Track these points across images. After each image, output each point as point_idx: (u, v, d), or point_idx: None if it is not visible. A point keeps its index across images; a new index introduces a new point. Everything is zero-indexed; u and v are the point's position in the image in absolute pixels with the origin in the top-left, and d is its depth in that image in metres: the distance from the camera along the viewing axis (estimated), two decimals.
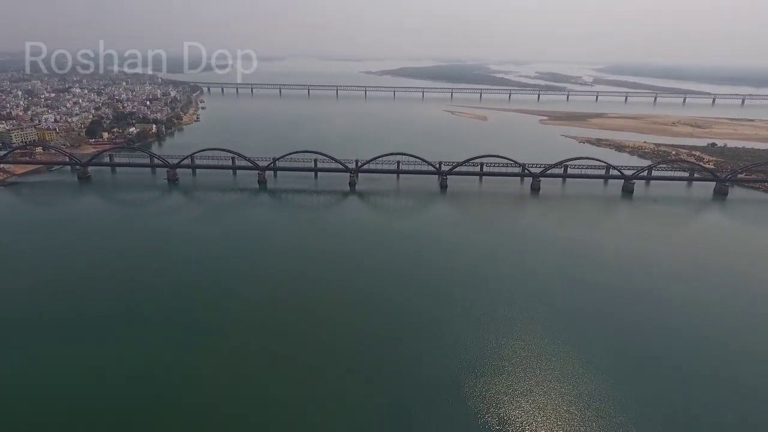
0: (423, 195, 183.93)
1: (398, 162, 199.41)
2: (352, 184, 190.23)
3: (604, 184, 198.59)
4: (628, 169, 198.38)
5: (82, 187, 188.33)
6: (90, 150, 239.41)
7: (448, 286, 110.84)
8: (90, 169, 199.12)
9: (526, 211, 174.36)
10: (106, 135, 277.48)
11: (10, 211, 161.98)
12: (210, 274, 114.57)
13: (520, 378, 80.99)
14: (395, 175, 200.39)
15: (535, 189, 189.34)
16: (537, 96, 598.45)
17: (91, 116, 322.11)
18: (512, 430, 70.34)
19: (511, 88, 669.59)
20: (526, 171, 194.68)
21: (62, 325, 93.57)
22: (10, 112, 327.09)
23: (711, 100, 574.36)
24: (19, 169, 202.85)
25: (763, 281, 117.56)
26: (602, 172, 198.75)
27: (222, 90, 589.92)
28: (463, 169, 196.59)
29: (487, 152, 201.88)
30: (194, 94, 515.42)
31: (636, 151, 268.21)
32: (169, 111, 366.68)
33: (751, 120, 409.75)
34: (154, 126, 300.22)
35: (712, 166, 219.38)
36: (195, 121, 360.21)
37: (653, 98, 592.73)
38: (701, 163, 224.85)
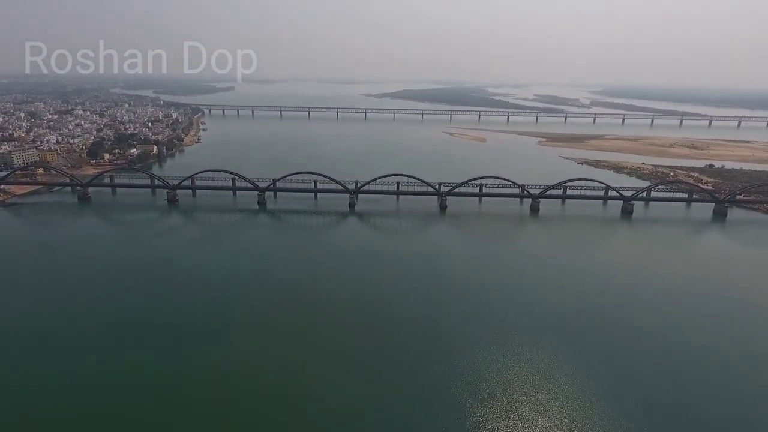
0: (423, 216, 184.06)
1: (398, 183, 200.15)
2: (351, 205, 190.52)
3: (604, 205, 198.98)
4: (627, 190, 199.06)
5: (81, 207, 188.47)
6: (91, 171, 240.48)
7: (448, 308, 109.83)
8: (90, 189, 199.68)
9: (526, 232, 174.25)
10: (107, 156, 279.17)
11: (8, 231, 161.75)
12: (209, 295, 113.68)
13: (521, 402, 79.64)
14: (395, 196, 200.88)
15: (535, 210, 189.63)
16: (535, 118, 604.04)
17: (92, 138, 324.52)
18: None
19: (510, 110, 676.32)
20: (525, 192, 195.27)
21: (61, 345, 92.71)
22: (13, 134, 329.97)
23: (707, 122, 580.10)
24: (20, 189, 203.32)
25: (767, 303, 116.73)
26: (601, 193, 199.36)
27: (223, 112, 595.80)
28: (463, 190, 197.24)
29: (487, 173, 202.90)
30: (195, 116, 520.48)
31: (634, 172, 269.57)
32: (171, 132, 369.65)
33: (748, 142, 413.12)
34: (155, 147, 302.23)
35: (711, 187, 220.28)
36: (196, 142, 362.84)
37: (650, 120, 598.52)
38: (700, 185, 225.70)
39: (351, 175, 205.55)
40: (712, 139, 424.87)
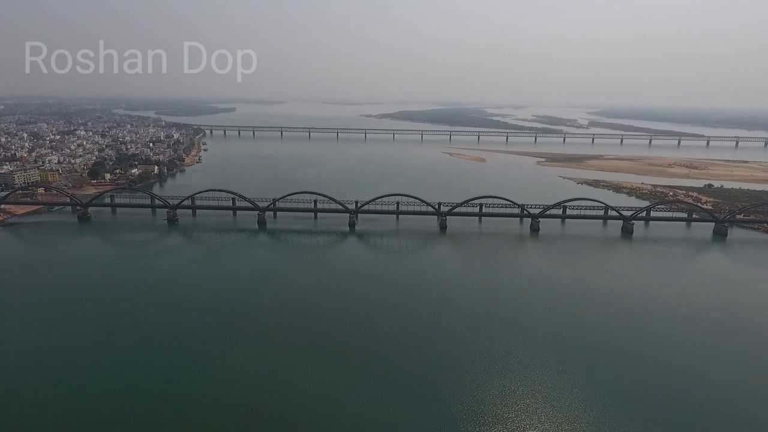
0: (423, 235, 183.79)
1: (398, 203, 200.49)
2: (351, 225, 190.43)
3: (604, 225, 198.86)
4: (627, 209, 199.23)
5: (81, 227, 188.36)
6: (92, 191, 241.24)
7: (448, 327, 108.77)
8: (91, 209, 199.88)
9: (526, 251, 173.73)
10: (108, 176, 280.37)
11: (7, 251, 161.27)
12: (208, 315, 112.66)
13: (522, 426, 78.23)
14: (395, 215, 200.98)
15: (535, 229, 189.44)
16: (534, 138, 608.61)
17: (94, 158, 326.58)
18: None
19: (509, 130, 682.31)
20: (525, 212, 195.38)
21: (61, 363, 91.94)
22: (15, 154, 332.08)
23: (705, 142, 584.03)
24: (20, 209, 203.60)
25: None
26: (601, 212, 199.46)
27: (224, 132, 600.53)
28: (463, 209, 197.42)
29: (486, 193, 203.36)
30: (197, 137, 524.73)
31: (634, 192, 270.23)
32: (172, 153, 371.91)
33: (746, 161, 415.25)
34: (156, 167, 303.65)
35: (710, 207, 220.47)
36: (197, 162, 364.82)
37: (648, 140, 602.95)
38: (699, 204, 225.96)
39: (351, 195, 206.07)
40: (711, 159, 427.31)
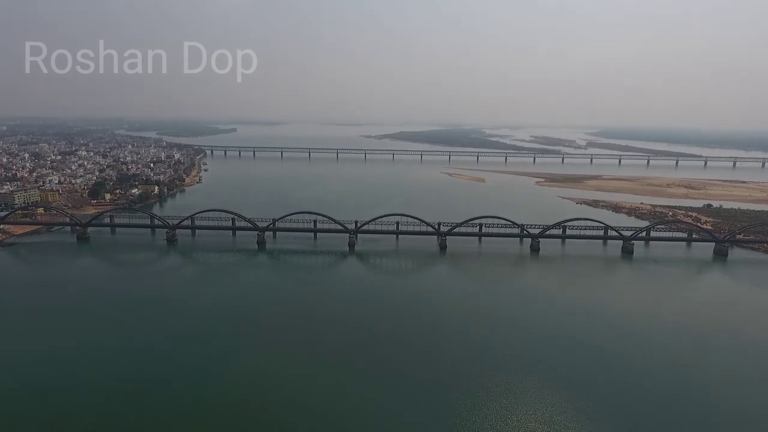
0: (422, 255, 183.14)
1: (397, 223, 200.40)
2: (351, 245, 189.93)
3: (604, 245, 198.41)
4: (627, 229, 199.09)
5: (80, 247, 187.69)
6: (92, 211, 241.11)
7: (447, 350, 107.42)
8: (90, 229, 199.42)
9: (527, 272, 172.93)
10: (108, 196, 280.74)
11: (3, 271, 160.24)
12: (206, 336, 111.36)
13: None
14: (395, 235, 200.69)
15: (535, 249, 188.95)
16: (533, 159, 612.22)
17: (95, 178, 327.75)
18: None
19: (507, 151, 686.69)
20: (525, 232, 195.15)
21: (59, 385, 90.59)
22: (16, 174, 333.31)
23: (703, 163, 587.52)
24: (19, 229, 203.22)
25: None
26: (601, 232, 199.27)
27: (225, 153, 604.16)
28: (462, 229, 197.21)
29: (486, 213, 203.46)
30: (198, 157, 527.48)
31: (633, 212, 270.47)
32: (173, 173, 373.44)
33: (744, 182, 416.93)
34: (156, 187, 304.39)
35: (710, 227, 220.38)
36: (197, 182, 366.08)
37: (646, 161, 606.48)
38: (699, 224, 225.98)
39: (351, 215, 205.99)
40: (709, 180, 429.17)
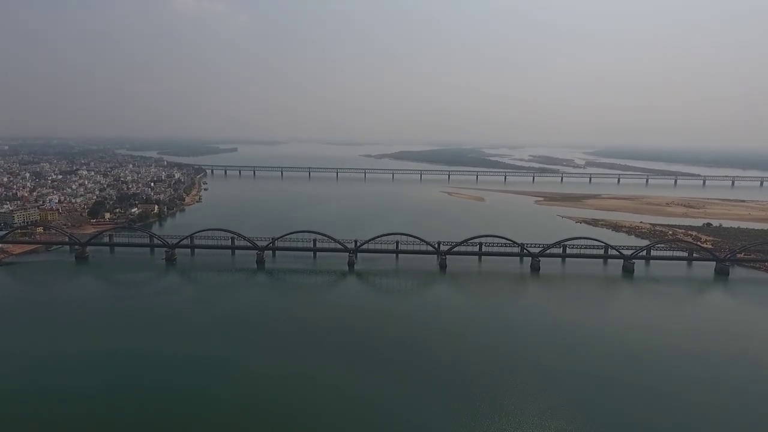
0: (422, 275, 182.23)
1: (397, 242, 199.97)
2: (351, 264, 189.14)
3: (604, 264, 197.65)
4: (627, 248, 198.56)
5: (78, 267, 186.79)
6: (91, 230, 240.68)
7: (447, 374, 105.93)
8: (89, 249, 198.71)
9: (527, 291, 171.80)
10: (108, 215, 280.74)
11: (1, 290, 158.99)
12: (205, 356, 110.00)
13: None
14: (394, 255, 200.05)
15: (535, 269, 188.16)
16: (532, 178, 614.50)
17: (95, 197, 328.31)
18: None
19: (507, 170, 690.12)
20: (525, 251, 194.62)
21: (57, 406, 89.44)
22: (16, 193, 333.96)
23: (701, 182, 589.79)
24: (18, 248, 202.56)
25: None
26: (601, 251, 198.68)
27: (225, 172, 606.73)
28: (462, 248, 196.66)
29: (486, 232, 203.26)
30: (198, 176, 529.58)
31: (633, 231, 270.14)
32: (173, 192, 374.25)
33: (743, 201, 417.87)
34: (156, 206, 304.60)
35: (710, 246, 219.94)
36: (197, 201, 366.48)
37: (645, 180, 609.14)
38: (699, 243, 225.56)
39: (350, 234, 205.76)
40: (708, 198, 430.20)
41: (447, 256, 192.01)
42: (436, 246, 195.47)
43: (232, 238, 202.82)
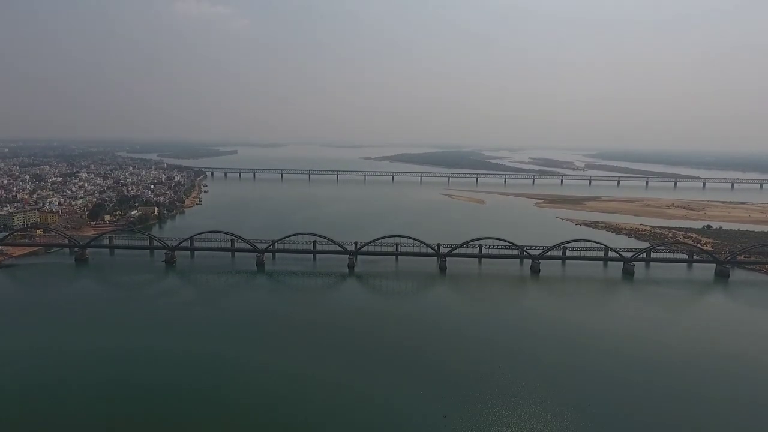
0: (422, 277, 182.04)
1: (397, 244, 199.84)
2: (351, 266, 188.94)
3: (604, 266, 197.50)
4: (627, 250, 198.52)
5: (78, 269, 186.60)
6: (91, 232, 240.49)
7: (447, 376, 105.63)
8: (88, 251, 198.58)
9: (527, 294, 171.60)
10: (108, 217, 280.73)
11: (1, 292, 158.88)
12: (204, 359, 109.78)
13: None
14: (394, 257, 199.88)
15: (535, 271, 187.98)
16: (532, 180, 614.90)
17: (95, 199, 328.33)
18: None
19: (506, 172, 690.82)
20: (525, 253, 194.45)
21: (56, 407, 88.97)
22: (16, 195, 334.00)
23: (701, 184, 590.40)
24: (17, 251, 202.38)
25: None
26: (601, 253, 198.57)
27: (225, 174, 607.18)
28: (462, 251, 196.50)
29: (486, 234, 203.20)
30: (198, 179, 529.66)
31: (633, 233, 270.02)
32: (173, 194, 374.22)
33: (743, 203, 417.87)
34: (156, 209, 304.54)
35: (710, 248, 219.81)
36: (197, 204, 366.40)
37: (645, 182, 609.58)
38: (699, 245, 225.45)
39: (350, 236, 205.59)
40: (707, 201, 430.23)
41: (447, 258, 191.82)
42: (436, 248, 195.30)
43: (232, 240, 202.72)
